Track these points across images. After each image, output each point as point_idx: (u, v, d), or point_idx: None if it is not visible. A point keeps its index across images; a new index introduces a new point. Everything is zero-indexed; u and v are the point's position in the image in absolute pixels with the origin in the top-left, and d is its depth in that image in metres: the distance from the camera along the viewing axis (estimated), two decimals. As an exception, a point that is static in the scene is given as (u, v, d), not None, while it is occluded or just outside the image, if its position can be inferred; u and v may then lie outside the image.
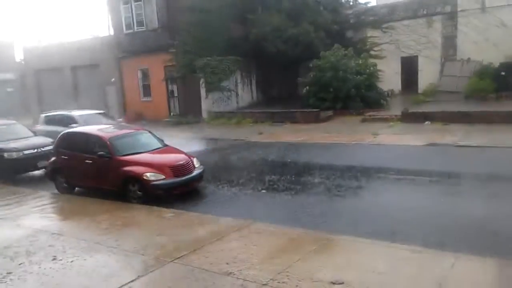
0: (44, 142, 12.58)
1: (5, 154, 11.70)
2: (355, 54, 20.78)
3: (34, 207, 8.98)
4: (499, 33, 21.28)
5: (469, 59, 22.18)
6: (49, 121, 16.00)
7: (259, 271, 5.22)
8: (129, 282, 5.15)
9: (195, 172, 9.47)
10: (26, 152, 11.92)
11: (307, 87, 21.20)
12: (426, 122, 16.04)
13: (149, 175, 8.77)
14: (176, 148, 10.42)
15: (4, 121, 14.26)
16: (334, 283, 4.81)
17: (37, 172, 12.50)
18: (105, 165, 9.21)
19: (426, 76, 23.71)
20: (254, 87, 24.58)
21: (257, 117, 20.52)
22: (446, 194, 8.44)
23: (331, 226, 6.97)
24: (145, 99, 25.92)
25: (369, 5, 25.96)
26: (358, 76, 19.53)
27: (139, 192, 8.89)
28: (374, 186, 9.45)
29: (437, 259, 5.35)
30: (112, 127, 10.92)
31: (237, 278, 5.07)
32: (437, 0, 23.55)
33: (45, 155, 11.56)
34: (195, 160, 9.81)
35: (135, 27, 24.92)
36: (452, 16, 23.25)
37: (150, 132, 10.76)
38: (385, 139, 14.09)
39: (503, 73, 19.83)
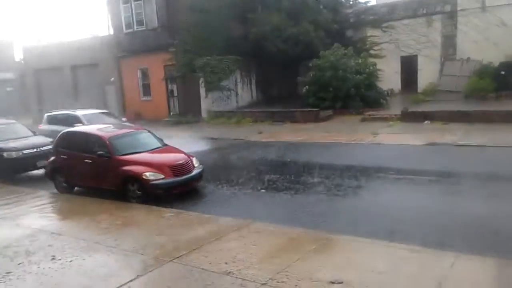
0: (44, 141, 12.57)
1: (5, 154, 11.69)
2: (355, 53, 20.80)
3: (34, 207, 8.98)
4: (499, 33, 21.28)
5: (468, 58, 22.18)
6: (53, 120, 15.87)
7: (258, 270, 5.21)
8: (128, 282, 5.14)
9: (195, 172, 9.47)
10: (25, 151, 11.91)
11: (307, 87, 21.21)
12: (426, 122, 16.04)
13: (149, 174, 8.77)
14: (175, 148, 10.41)
15: (4, 121, 14.26)
16: (333, 283, 4.80)
17: (36, 172, 12.48)
18: (105, 165, 9.20)
19: (426, 76, 23.71)
20: (253, 87, 24.58)
21: (256, 116, 20.51)
22: (445, 193, 8.43)
23: (330, 225, 6.96)
24: (144, 98, 25.91)
25: (369, 4, 25.98)
26: (358, 76, 19.53)
27: (138, 192, 8.88)
28: (373, 186, 9.44)
29: (437, 259, 5.34)
30: (112, 127, 10.90)
31: (236, 277, 5.07)
32: (437, -1, 23.57)
33: (44, 155, 11.56)
34: (194, 160, 9.81)
35: (135, 27, 24.89)
36: (452, 15, 23.24)
37: (149, 131, 10.76)
38: (385, 139, 14.09)
39: (503, 73, 19.83)
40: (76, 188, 10.31)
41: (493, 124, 14.56)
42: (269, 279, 4.97)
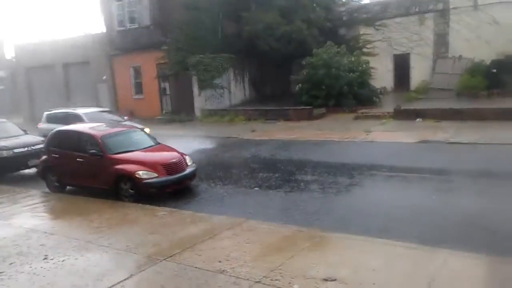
0: (35, 140, 12.47)
1: (-5, 153, 11.58)
2: (348, 51, 20.83)
3: (25, 206, 8.90)
4: (491, 31, 21.42)
5: (460, 56, 22.32)
6: (52, 119, 15.35)
7: (252, 268, 5.21)
8: (121, 281, 5.12)
9: (188, 170, 9.44)
10: (16, 150, 11.81)
11: (300, 85, 21.22)
12: (418, 119, 16.14)
13: (142, 173, 8.73)
14: (168, 146, 10.37)
15: (-6, 120, 14.10)
16: (326, 280, 4.82)
17: (28, 171, 12.37)
18: (97, 164, 9.15)
19: (418, 74, 23.83)
20: (247, 85, 24.56)
21: (250, 114, 20.50)
22: (437, 191, 8.48)
23: (324, 223, 6.99)
24: (137, 96, 25.79)
25: (362, 2, 26.03)
26: (351, 74, 19.58)
27: (131, 191, 8.84)
28: (366, 183, 9.48)
29: (430, 256, 5.38)
30: (104, 125, 10.82)
31: (230, 276, 5.06)
32: (429, -2, 23.68)
33: (36, 154, 11.47)
34: (187, 158, 9.78)
35: (128, 24, 24.73)
36: (444, 14, 23.35)
37: (143, 130, 10.71)
38: (378, 136, 14.15)
39: (494, 70, 19.99)
40: (68, 187, 10.24)
41: (485, 122, 14.67)
42: (263, 277, 4.97)
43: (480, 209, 7.22)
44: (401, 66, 24.73)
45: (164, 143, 10.57)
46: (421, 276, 4.84)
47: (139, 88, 25.76)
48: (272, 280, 4.90)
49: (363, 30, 24.64)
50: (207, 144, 15.24)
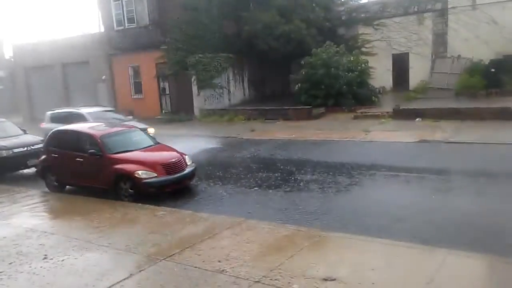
0: (34, 140, 12.47)
1: (-5, 153, 11.58)
2: (347, 51, 20.84)
3: (25, 206, 8.90)
4: (489, 30, 21.45)
5: (459, 56, 22.34)
6: (56, 118, 14.93)
7: (251, 268, 5.22)
8: (121, 281, 5.12)
9: (187, 170, 9.45)
10: (16, 150, 11.80)
11: (299, 84, 21.22)
12: (417, 119, 16.15)
13: (141, 173, 8.73)
14: (168, 146, 10.38)
15: (-7, 119, 14.07)
16: (326, 280, 4.83)
17: (27, 171, 12.37)
18: (96, 163, 9.15)
19: (417, 73, 23.85)
20: (246, 84, 24.56)
21: (249, 114, 20.50)
22: (437, 190, 8.50)
23: (323, 223, 7.00)
24: (136, 96, 25.76)
25: (360, 2, 26.04)
26: (350, 73, 19.59)
27: (130, 190, 8.85)
28: (366, 183, 9.50)
29: (429, 255, 5.40)
30: (104, 125, 10.82)
31: (230, 275, 5.07)
32: (428, -3, 23.72)
33: (35, 153, 11.46)
34: (187, 158, 9.78)
35: (126, 24, 24.70)
36: (442, 13, 23.38)
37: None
38: (377, 136, 14.17)
39: (493, 70, 20.01)
40: (67, 187, 10.24)
41: (484, 121, 14.70)
42: (263, 276, 4.98)
43: (479, 208, 7.24)
44: (400, 65, 24.75)
45: (163, 143, 10.58)
46: (420, 276, 4.86)
47: (138, 87, 25.72)
48: (271, 279, 4.91)
49: (362, 29, 24.66)
50: (207, 144, 15.24)
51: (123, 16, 24.70)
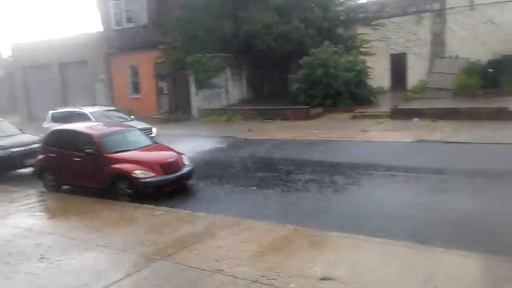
0: (32, 140, 12.44)
1: (-8, 152, 11.54)
2: (345, 51, 20.84)
3: (22, 206, 8.87)
4: (487, 31, 21.50)
5: (457, 56, 22.39)
6: (58, 118, 14.64)
7: (249, 268, 5.22)
8: (118, 281, 5.11)
9: (185, 170, 9.44)
10: (13, 150, 11.77)
11: (298, 84, 21.22)
12: (415, 119, 16.16)
13: (139, 172, 8.71)
14: (166, 146, 10.37)
15: (-9, 119, 14.03)
16: (324, 279, 4.83)
17: (24, 170, 12.33)
18: (94, 163, 9.13)
19: (415, 73, 23.91)
20: (244, 84, 24.52)
21: (247, 114, 20.48)
22: (434, 190, 8.51)
23: (321, 222, 6.99)
24: (134, 96, 25.71)
25: (359, 2, 26.04)
26: (348, 73, 19.58)
27: (128, 190, 8.82)
28: (364, 183, 9.50)
29: (426, 254, 5.41)
30: (101, 125, 10.80)
31: (227, 275, 5.06)
32: (426, -2, 23.76)
33: (32, 153, 11.41)
34: (184, 157, 9.77)
35: (125, 23, 24.68)
36: (441, 14, 23.43)
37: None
38: (375, 136, 14.18)
39: (490, 70, 20.08)
40: (65, 186, 10.21)
41: (481, 121, 14.72)
42: (260, 276, 4.98)
43: (476, 208, 7.25)
44: (398, 65, 24.79)
45: (161, 143, 10.56)
46: (417, 275, 4.86)
47: (136, 87, 25.68)
48: (269, 279, 4.90)
49: (360, 29, 24.66)
50: (204, 144, 15.23)
51: (122, 16, 24.69)
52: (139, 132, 10.51)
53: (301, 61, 20.51)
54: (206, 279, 5.02)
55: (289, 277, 4.93)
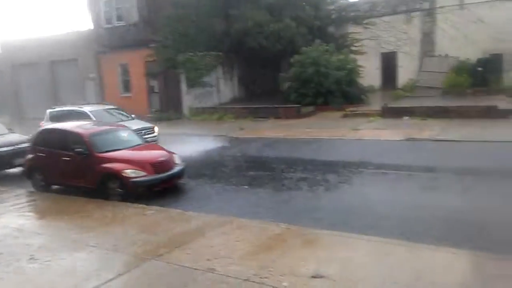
0: (21, 139, 12.29)
1: (-20, 152, 11.40)
2: (336, 49, 20.91)
3: (11, 206, 8.77)
4: (476, 29, 21.69)
5: (446, 55, 22.57)
6: (56, 117, 13.95)
7: (241, 266, 5.22)
8: (108, 281, 5.08)
9: (177, 169, 9.40)
10: (1, 149, 11.63)
11: (289, 83, 21.25)
12: (405, 117, 16.28)
13: (130, 172, 8.66)
14: (156, 145, 10.33)
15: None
16: (315, 277, 4.84)
17: (13, 170, 12.20)
18: (84, 162, 9.05)
19: (406, 72, 24.06)
20: (236, 83, 24.50)
21: (238, 112, 20.48)
22: (424, 187, 8.59)
23: (313, 220, 7.01)
24: (124, 94, 25.56)
25: (350, 1, 26.15)
26: (339, 72, 19.65)
27: (119, 190, 8.76)
28: (355, 181, 9.55)
29: (417, 252, 5.45)
30: (91, 123, 10.72)
31: (219, 274, 5.06)
32: (416, -3, 23.92)
33: (21, 153, 11.28)
34: (176, 156, 9.74)
35: (115, 22, 24.51)
36: (430, 13, 23.60)
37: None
38: (366, 134, 14.26)
39: (479, 69, 20.28)
40: (54, 186, 10.12)
41: (470, 120, 14.88)
42: (252, 275, 4.98)
43: (466, 205, 7.32)
44: (389, 64, 24.94)
45: (159, 142, 10.51)
46: (408, 272, 4.90)
47: (127, 86, 25.53)
48: (261, 278, 4.91)
49: (351, 28, 24.76)
50: (196, 143, 15.18)
51: (112, 14, 24.51)
52: (130, 131, 10.45)
53: (292, 60, 20.55)
54: (198, 278, 5.01)
55: (281, 275, 4.94)
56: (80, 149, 9.07)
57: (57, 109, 14.95)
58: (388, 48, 24.51)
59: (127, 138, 10.00)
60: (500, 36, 20.93)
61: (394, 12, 24.36)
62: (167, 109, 23.04)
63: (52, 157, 9.66)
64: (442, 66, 22.38)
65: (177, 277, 5.10)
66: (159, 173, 8.95)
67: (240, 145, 14.30)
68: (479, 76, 19.99)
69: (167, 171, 9.14)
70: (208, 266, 5.27)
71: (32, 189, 10.15)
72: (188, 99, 22.40)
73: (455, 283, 4.64)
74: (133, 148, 9.63)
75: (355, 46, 23.70)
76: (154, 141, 13.25)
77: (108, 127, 10.41)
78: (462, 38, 21.94)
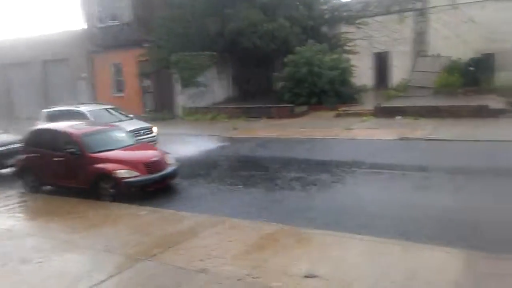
0: (12, 139, 12.16)
1: (-30, 152, 11.28)
2: (330, 49, 20.96)
3: (2, 207, 8.71)
4: (468, 29, 21.83)
5: (438, 54, 22.70)
6: (53, 117, 13.52)
7: (234, 266, 5.21)
8: (100, 283, 5.05)
9: (169, 169, 9.37)
10: (-7, 149, 11.53)
11: (283, 82, 21.26)
12: (398, 117, 16.35)
13: (122, 172, 8.62)
14: (149, 145, 10.30)
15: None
16: (308, 277, 4.85)
17: (4, 171, 12.08)
18: (77, 163, 8.99)
19: (398, 72, 24.16)
20: (229, 83, 24.47)
21: (232, 112, 20.45)
22: (417, 187, 8.63)
23: (306, 220, 7.02)
24: (117, 94, 25.41)
25: (343, 0, 26.22)
26: (333, 72, 19.70)
27: (111, 190, 8.71)
28: (348, 180, 9.58)
29: (410, 251, 5.48)
30: (84, 124, 10.64)
31: (212, 274, 5.05)
32: (409, -3, 24.04)
33: (13, 153, 11.18)
34: (169, 157, 9.71)
35: (109, 21, 24.37)
36: (423, 13, 23.73)
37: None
38: (359, 134, 14.31)
39: (471, 68, 20.43)
40: (46, 187, 10.04)
41: (462, 119, 14.98)
42: (245, 275, 4.98)
43: (459, 204, 7.37)
44: (382, 64, 25.05)
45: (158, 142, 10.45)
46: (401, 271, 4.92)
47: (119, 85, 25.39)
48: (254, 278, 4.91)
49: (344, 28, 24.82)
50: (189, 143, 15.13)
51: (106, 13, 24.36)
52: (122, 131, 10.40)
53: (286, 60, 20.56)
54: (191, 278, 5.00)
55: (274, 275, 4.95)
56: (72, 149, 9.01)
57: (53, 109, 14.63)
58: (381, 48, 24.59)
59: (120, 138, 9.95)
60: (491, 36, 21.09)
61: (387, 12, 24.45)
62: (161, 109, 22.95)
63: (44, 158, 9.59)
64: (435, 66, 22.51)
65: (170, 277, 5.08)
66: (152, 173, 8.91)
67: (234, 145, 14.28)
68: (471, 75, 20.13)
69: (160, 171, 9.10)
70: (201, 266, 5.26)
71: (23, 190, 10.07)
72: (182, 99, 22.33)
73: (449, 282, 4.66)
74: (125, 148, 9.58)
75: (348, 46, 23.75)
76: (153, 141, 13.21)
77: (100, 127, 10.35)
78: (454, 37, 22.08)
